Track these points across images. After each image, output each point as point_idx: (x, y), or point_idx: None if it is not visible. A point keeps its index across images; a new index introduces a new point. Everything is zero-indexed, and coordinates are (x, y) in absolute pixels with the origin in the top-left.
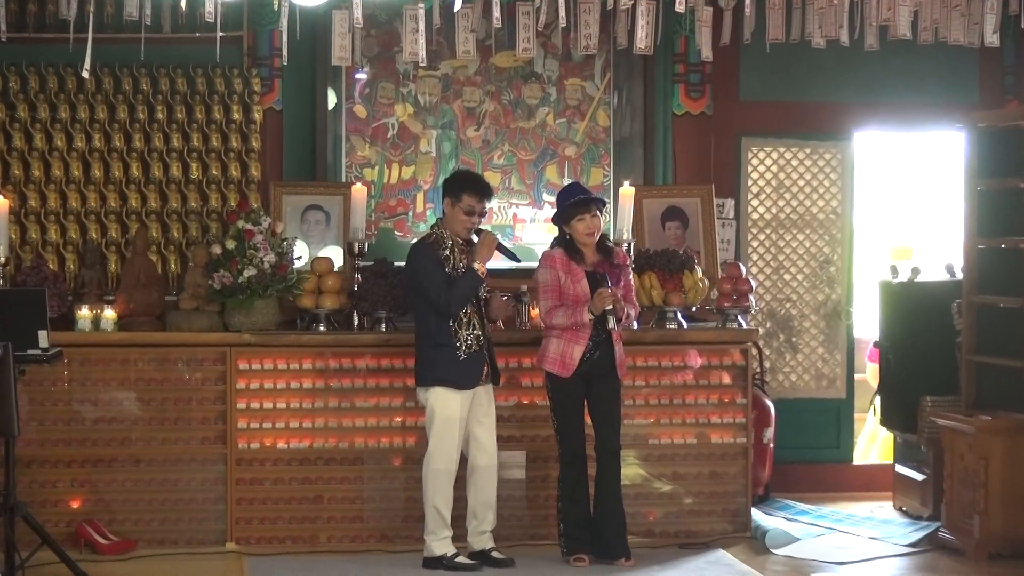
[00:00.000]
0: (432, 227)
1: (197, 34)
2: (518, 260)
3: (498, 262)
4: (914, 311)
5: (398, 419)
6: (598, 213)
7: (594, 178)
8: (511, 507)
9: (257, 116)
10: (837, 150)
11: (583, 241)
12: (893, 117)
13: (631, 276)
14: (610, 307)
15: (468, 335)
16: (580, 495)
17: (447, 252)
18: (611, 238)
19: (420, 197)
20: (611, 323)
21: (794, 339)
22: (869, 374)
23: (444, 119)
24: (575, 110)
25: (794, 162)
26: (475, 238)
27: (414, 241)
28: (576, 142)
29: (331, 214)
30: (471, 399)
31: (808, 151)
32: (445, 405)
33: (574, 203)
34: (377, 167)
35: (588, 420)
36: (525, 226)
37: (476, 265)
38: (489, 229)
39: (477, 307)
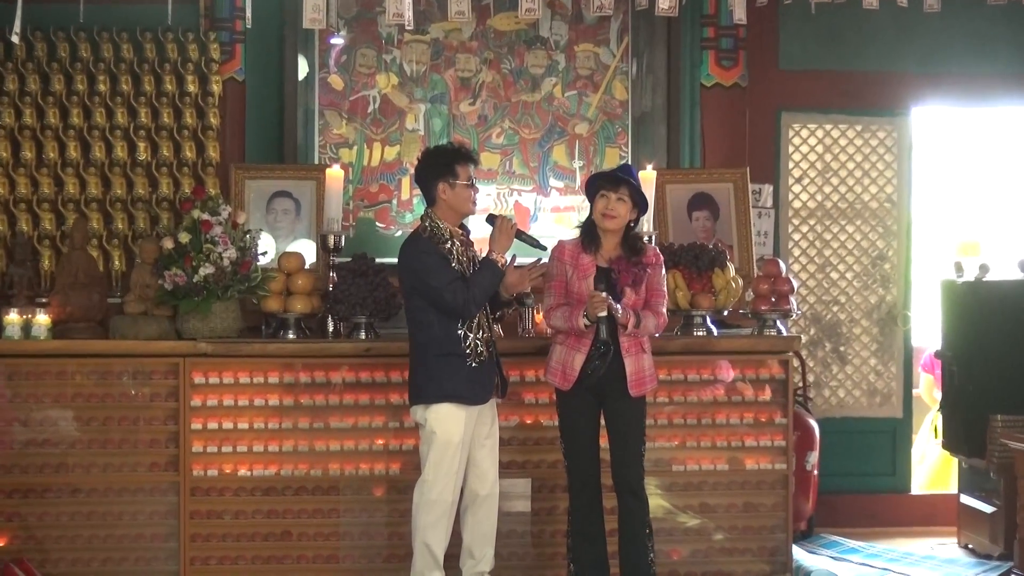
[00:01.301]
0: (422, 218)
1: None
2: (544, 247)
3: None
4: (982, 315)
5: (380, 442)
6: (625, 197)
7: (609, 160)
8: (513, 545)
9: (216, 88)
10: (892, 127)
11: (601, 225)
12: (957, 89)
13: (662, 281)
14: (603, 313)
15: (478, 339)
16: (593, 531)
17: (448, 245)
18: (647, 232)
19: (406, 182)
20: (603, 333)
21: (842, 348)
22: (925, 388)
23: (434, 91)
24: (587, 81)
25: (842, 141)
26: (478, 227)
27: (408, 235)
28: (588, 118)
29: (302, 202)
30: (476, 418)
31: (859, 129)
32: (449, 425)
33: (600, 175)
34: (356, 147)
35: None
36: (531, 216)
37: (495, 256)
38: (503, 214)
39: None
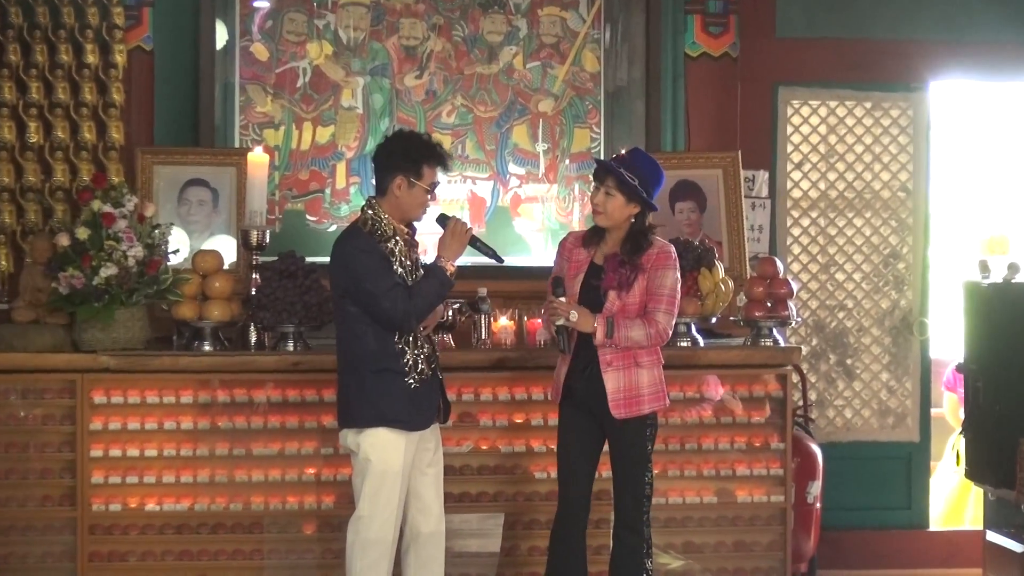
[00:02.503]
0: (364, 210)
1: None
2: (500, 260)
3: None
4: (1012, 323)
5: (310, 471)
6: (613, 190)
7: (578, 142)
8: None
9: (119, 59)
10: (907, 105)
11: (594, 221)
12: (983, 60)
13: (664, 284)
14: (560, 321)
15: (418, 355)
16: (566, 570)
17: (391, 244)
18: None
19: (342, 168)
20: (561, 344)
21: (850, 361)
22: (948, 408)
23: (374, 62)
24: (553, 50)
25: (849, 121)
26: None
27: (345, 229)
28: (554, 93)
29: (220, 192)
30: (416, 444)
31: (868, 106)
32: (387, 454)
33: (596, 162)
34: (283, 128)
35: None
36: (487, 209)
37: (443, 263)
38: (459, 216)
39: None
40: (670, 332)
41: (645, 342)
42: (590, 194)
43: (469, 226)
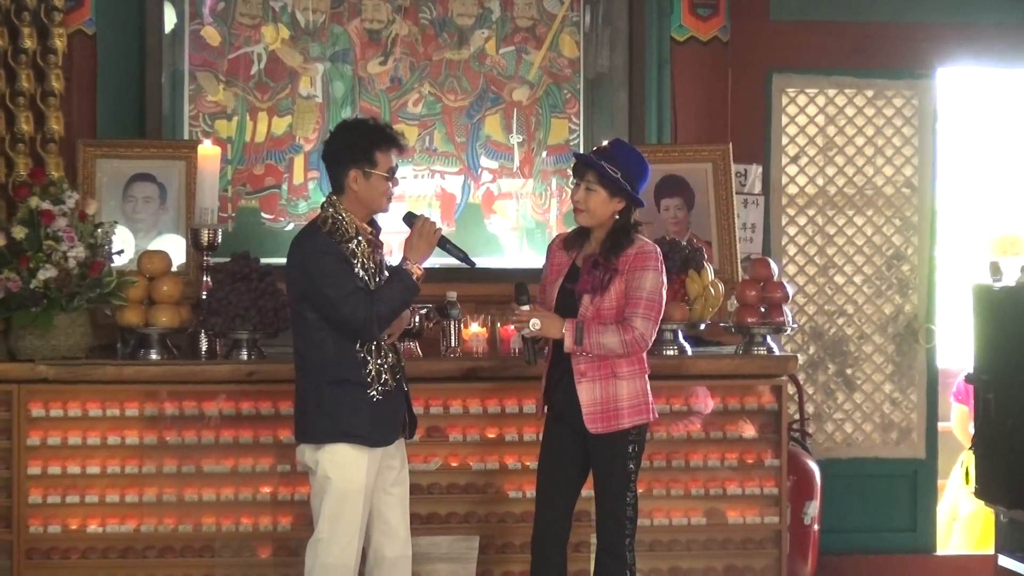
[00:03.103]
0: (324, 207)
1: None
2: (472, 264)
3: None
4: None
5: (266, 490)
6: (594, 185)
7: (556, 133)
8: None
9: (59, 43)
10: (912, 93)
11: (575, 219)
12: (994, 45)
13: (642, 287)
14: (526, 331)
15: (382, 365)
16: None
17: (352, 244)
18: (640, 227)
19: (299, 162)
20: (528, 355)
21: (850, 371)
22: (956, 422)
23: (335, 47)
24: (528, 34)
25: (849, 110)
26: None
27: (303, 228)
28: (530, 81)
29: (168, 188)
30: (380, 461)
31: (870, 94)
32: (348, 472)
33: (575, 156)
34: (236, 118)
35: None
36: (457, 207)
37: (409, 265)
38: (425, 214)
39: None
40: (649, 339)
41: (619, 350)
42: (570, 191)
43: (438, 226)
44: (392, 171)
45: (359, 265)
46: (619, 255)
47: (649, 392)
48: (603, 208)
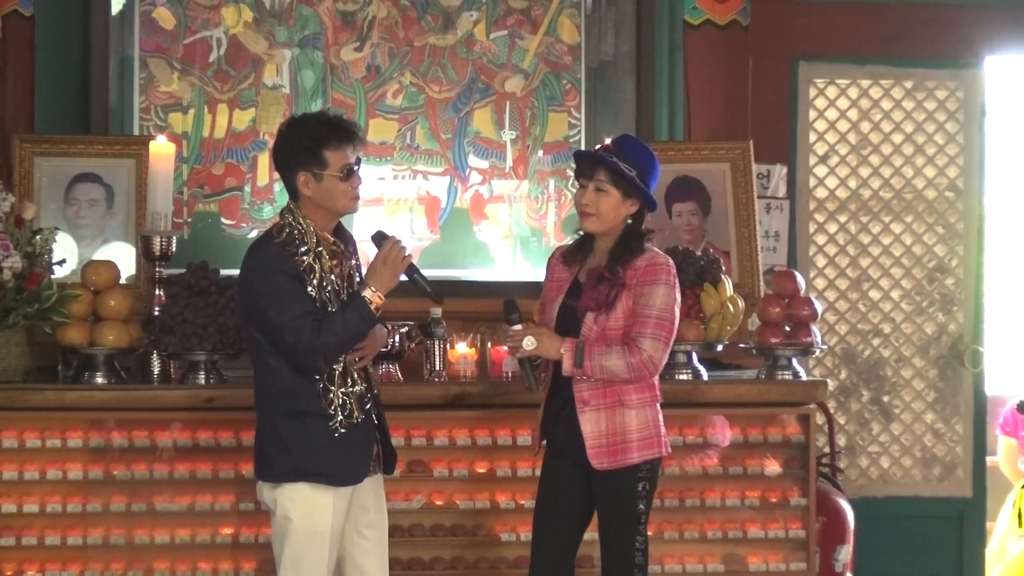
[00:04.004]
0: (281, 214)
1: None
2: (439, 300)
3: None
4: None
5: (227, 531)
6: (606, 185)
7: (553, 129)
8: None
9: None
10: (957, 84)
11: (581, 225)
12: None
13: (652, 304)
14: (520, 353)
15: (347, 395)
16: None
17: (309, 258)
18: (649, 235)
19: (264, 161)
20: (527, 381)
21: (887, 398)
22: (1003, 456)
23: (303, 32)
24: (523, 17)
25: (886, 104)
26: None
27: (256, 239)
28: (524, 70)
29: (115, 189)
30: (349, 500)
31: (909, 86)
32: (310, 513)
33: (576, 155)
34: (193, 111)
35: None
36: (442, 211)
37: (368, 293)
38: (395, 237)
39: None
40: (659, 363)
41: (625, 374)
42: (574, 195)
43: (408, 252)
44: (348, 168)
45: (315, 281)
46: (627, 267)
47: (661, 423)
48: (615, 212)
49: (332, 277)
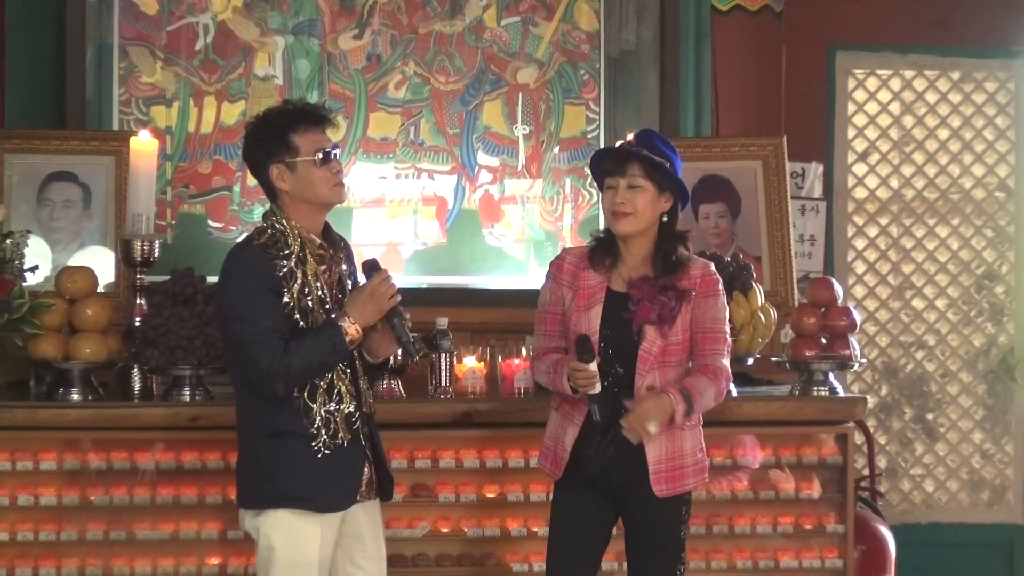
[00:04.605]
0: (265, 217)
1: None
2: (413, 355)
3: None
4: None
5: (214, 561)
6: (640, 180)
7: (570, 124)
8: None
9: None
10: (1008, 75)
11: (613, 228)
12: None
13: (718, 317)
14: (593, 390)
15: (331, 412)
16: None
17: (291, 262)
18: (692, 240)
19: None
20: (595, 414)
21: (931, 416)
22: None
23: (298, 18)
24: (537, 3)
25: (931, 97)
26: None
27: (237, 242)
28: (538, 60)
29: (92, 189)
30: (338, 527)
31: (956, 77)
32: (295, 542)
33: (601, 152)
34: (177, 104)
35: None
36: (449, 211)
37: (345, 324)
38: (387, 271)
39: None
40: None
41: (714, 402)
42: (602, 199)
43: (396, 291)
44: (324, 152)
45: (295, 288)
46: (682, 273)
47: (704, 445)
48: (652, 209)
49: (318, 283)
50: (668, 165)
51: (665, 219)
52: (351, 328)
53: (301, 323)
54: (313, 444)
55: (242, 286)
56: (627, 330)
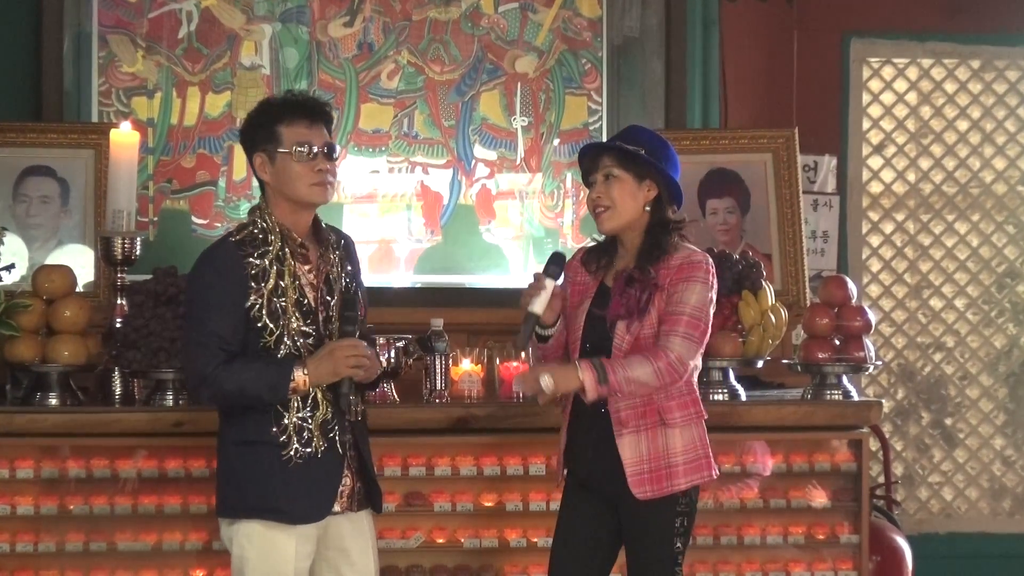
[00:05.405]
0: (251, 213)
1: None
2: (344, 409)
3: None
4: None
5: (199, 572)
6: (615, 171)
7: (571, 115)
8: None
9: None
10: None
11: (597, 226)
12: None
13: (686, 300)
14: (532, 307)
15: (304, 420)
16: None
17: (265, 261)
18: (678, 226)
19: (240, 152)
20: (519, 340)
21: (950, 421)
22: None
23: (287, 4)
24: None
25: (949, 86)
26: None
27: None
28: (538, 48)
29: (70, 184)
30: (316, 540)
31: (976, 65)
32: (268, 554)
33: (580, 156)
34: (160, 95)
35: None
36: (444, 205)
37: (299, 374)
38: (362, 343)
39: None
40: (688, 365)
41: (654, 381)
42: (591, 187)
43: (362, 358)
44: (305, 146)
45: (266, 288)
46: (660, 265)
47: (708, 442)
48: (631, 199)
49: (298, 283)
50: (643, 152)
51: (649, 209)
52: (300, 378)
53: (271, 325)
54: (283, 453)
55: (203, 281)
56: (602, 325)
